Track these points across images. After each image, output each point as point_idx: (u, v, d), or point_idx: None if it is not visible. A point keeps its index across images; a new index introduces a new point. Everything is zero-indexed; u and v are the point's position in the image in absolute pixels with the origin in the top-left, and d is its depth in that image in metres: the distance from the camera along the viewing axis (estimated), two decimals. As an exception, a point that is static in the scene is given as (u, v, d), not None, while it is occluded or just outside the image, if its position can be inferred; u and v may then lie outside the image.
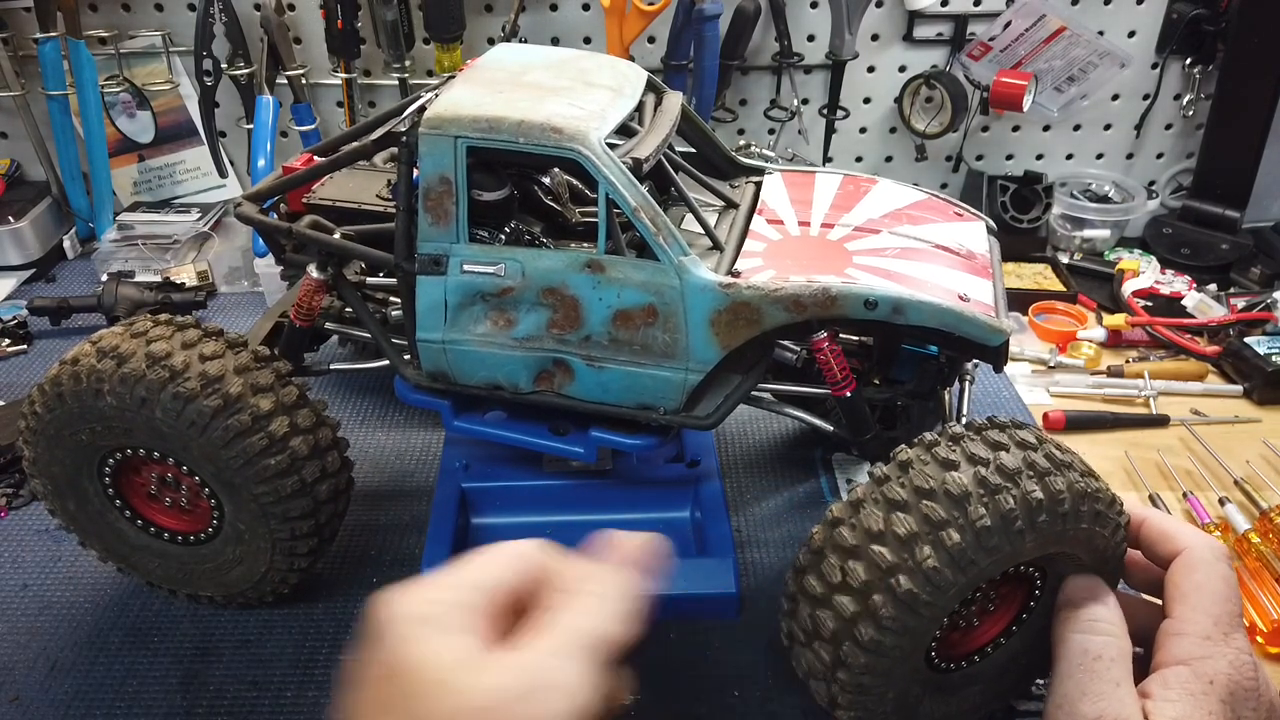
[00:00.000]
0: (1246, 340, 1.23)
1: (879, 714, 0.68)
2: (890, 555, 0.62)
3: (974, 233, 0.86)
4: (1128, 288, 1.37)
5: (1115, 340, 1.30)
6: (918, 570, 0.61)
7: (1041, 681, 0.80)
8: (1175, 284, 1.39)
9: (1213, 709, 0.58)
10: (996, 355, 0.77)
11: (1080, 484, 0.64)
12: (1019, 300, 1.36)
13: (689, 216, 0.84)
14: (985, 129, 1.56)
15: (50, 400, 0.76)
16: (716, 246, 0.80)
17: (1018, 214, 1.46)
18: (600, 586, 0.50)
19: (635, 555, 0.54)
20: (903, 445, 0.67)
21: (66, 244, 1.51)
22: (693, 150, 0.94)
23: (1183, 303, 1.35)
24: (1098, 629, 0.65)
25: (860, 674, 0.65)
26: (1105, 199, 1.52)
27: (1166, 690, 0.60)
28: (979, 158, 1.59)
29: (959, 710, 0.73)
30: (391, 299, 0.93)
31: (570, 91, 0.77)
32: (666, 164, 0.83)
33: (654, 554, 0.55)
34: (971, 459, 0.64)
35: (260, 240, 1.32)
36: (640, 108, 0.83)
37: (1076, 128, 1.56)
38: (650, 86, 0.86)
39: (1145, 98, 1.52)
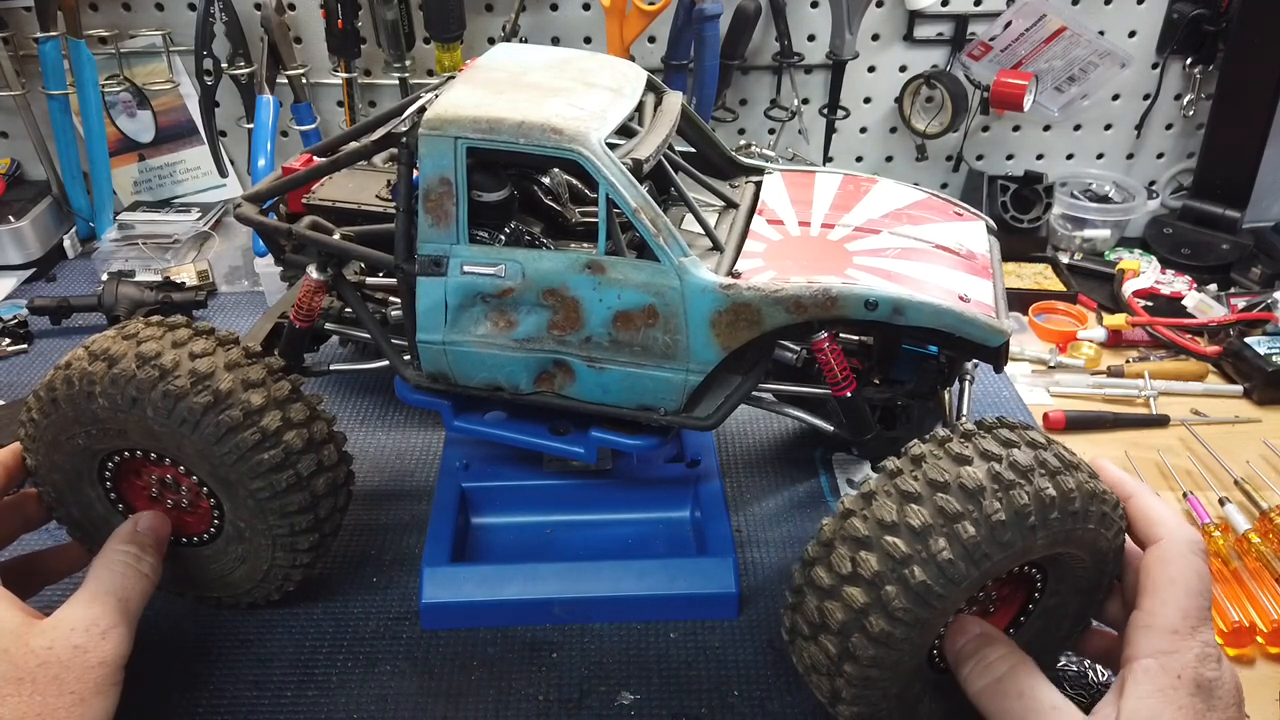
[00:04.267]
0: (1247, 340, 1.22)
1: (881, 709, 0.68)
2: (904, 546, 0.62)
3: (974, 232, 0.86)
4: (1128, 288, 1.37)
5: (1115, 340, 1.30)
6: (931, 562, 0.61)
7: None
8: (1175, 284, 1.39)
9: (1182, 704, 0.60)
10: (997, 355, 0.77)
11: (1089, 485, 0.64)
12: (1019, 300, 1.36)
13: (689, 217, 0.84)
14: (986, 129, 1.56)
15: (45, 406, 0.76)
16: (717, 247, 0.80)
17: (1018, 214, 1.46)
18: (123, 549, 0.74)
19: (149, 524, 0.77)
20: (915, 440, 0.67)
21: (67, 243, 1.51)
22: (693, 150, 0.94)
23: (1183, 303, 1.35)
24: (994, 668, 0.66)
25: (868, 666, 0.65)
26: (1105, 199, 1.52)
27: (1137, 687, 0.61)
28: (979, 158, 1.59)
29: (958, 710, 0.73)
30: (391, 299, 0.93)
31: (570, 92, 0.77)
32: (666, 164, 0.83)
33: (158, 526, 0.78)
34: (985, 455, 0.64)
35: (260, 240, 1.32)
36: (640, 108, 0.83)
37: (1077, 128, 1.56)
38: (650, 86, 0.86)
39: (1146, 98, 1.52)
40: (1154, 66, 1.49)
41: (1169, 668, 0.61)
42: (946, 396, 0.89)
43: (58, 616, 0.68)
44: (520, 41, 1.44)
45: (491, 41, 1.46)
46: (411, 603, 0.88)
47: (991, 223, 0.89)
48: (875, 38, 1.47)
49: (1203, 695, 0.60)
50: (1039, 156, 1.59)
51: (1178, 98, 1.52)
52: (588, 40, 1.47)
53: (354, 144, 0.84)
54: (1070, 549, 0.66)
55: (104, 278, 1.32)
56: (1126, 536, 0.70)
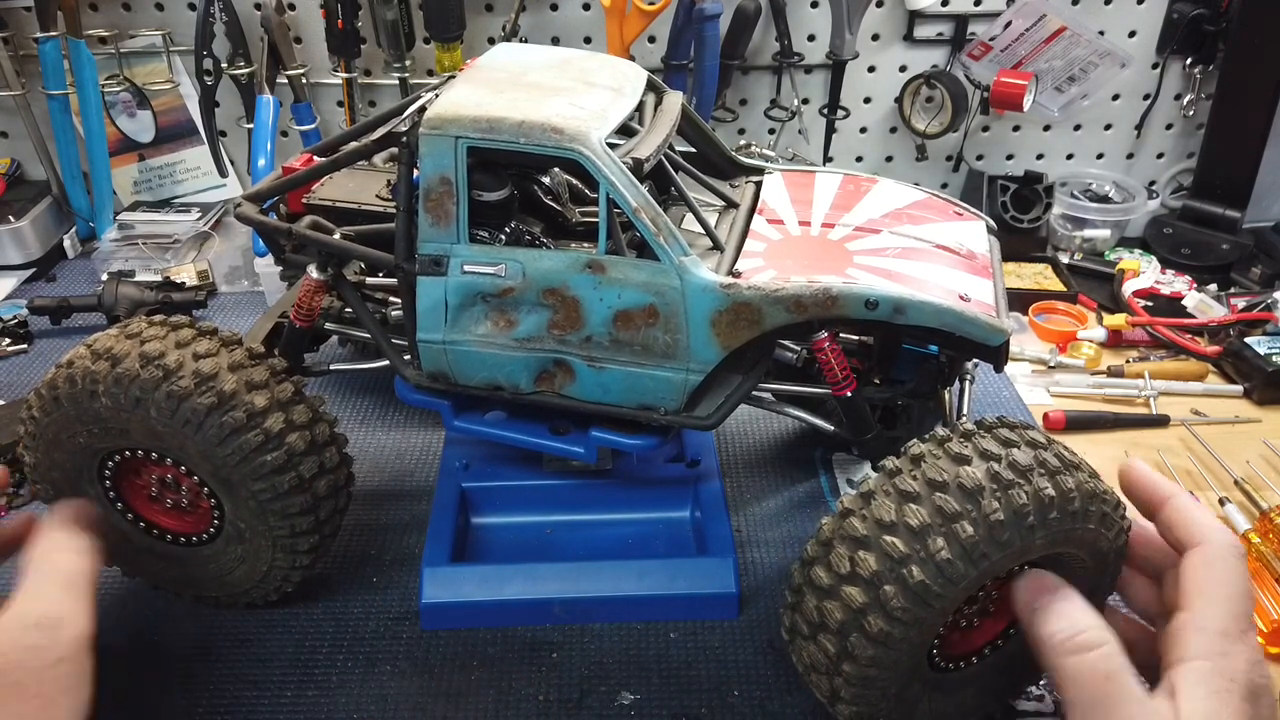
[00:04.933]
0: (1247, 340, 1.22)
1: (880, 709, 0.68)
2: (903, 546, 0.62)
3: (974, 232, 0.86)
4: (1128, 288, 1.37)
5: (1115, 340, 1.30)
6: (930, 561, 0.61)
7: (1037, 689, 0.81)
8: (1175, 284, 1.39)
9: (1237, 707, 0.58)
10: (997, 355, 0.77)
11: (1089, 484, 0.64)
12: (1019, 300, 1.36)
13: (689, 216, 0.84)
14: (986, 129, 1.56)
15: (47, 404, 0.76)
16: (717, 247, 0.80)
17: (1018, 214, 1.46)
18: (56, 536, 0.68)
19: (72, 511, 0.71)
20: (914, 440, 0.67)
21: (67, 243, 1.51)
22: (693, 150, 0.94)
23: (1183, 303, 1.35)
24: (1089, 642, 0.60)
25: (867, 666, 0.65)
26: (1105, 199, 1.52)
27: (1193, 689, 0.59)
28: (979, 158, 1.59)
29: (956, 709, 0.73)
30: (391, 299, 0.93)
31: (571, 91, 0.77)
32: (667, 164, 0.83)
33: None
34: (984, 455, 0.64)
35: (260, 240, 1.32)
36: (640, 107, 0.83)
37: (1077, 128, 1.56)
38: (650, 86, 0.86)
39: (1146, 98, 1.52)
40: (1154, 66, 1.49)
41: (1222, 670, 0.59)
42: (946, 396, 0.89)
43: (4, 620, 0.62)
44: (520, 41, 1.44)
45: (491, 41, 1.46)
46: (411, 603, 0.88)
47: (991, 222, 0.89)
48: (875, 38, 1.47)
49: (1253, 700, 0.59)
50: (1039, 156, 1.59)
51: (1178, 98, 1.52)
52: (588, 40, 1.47)
53: (354, 144, 0.84)
54: (1070, 549, 0.66)
55: (104, 278, 1.32)
56: (1161, 538, 0.69)
